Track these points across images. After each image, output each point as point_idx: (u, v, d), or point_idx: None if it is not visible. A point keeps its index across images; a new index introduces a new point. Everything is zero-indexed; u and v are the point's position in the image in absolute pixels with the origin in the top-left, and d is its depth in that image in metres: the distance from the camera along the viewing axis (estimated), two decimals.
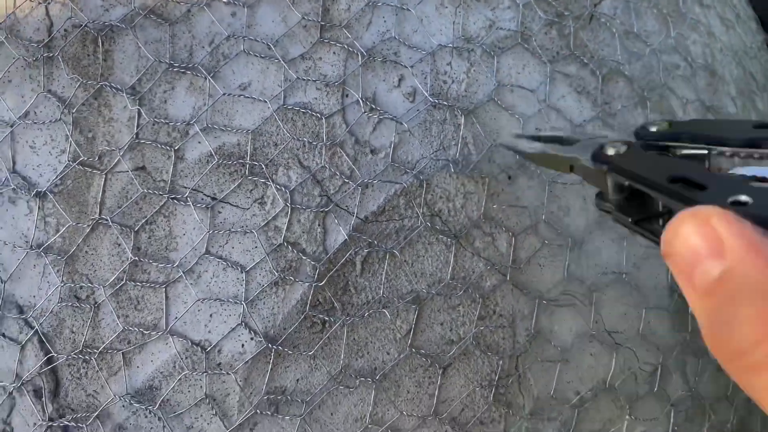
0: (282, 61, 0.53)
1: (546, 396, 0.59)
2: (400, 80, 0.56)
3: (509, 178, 0.59)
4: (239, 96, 0.52)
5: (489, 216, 0.57)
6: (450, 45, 0.57)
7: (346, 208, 0.54)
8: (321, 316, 0.53)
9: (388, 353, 0.55)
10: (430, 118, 0.56)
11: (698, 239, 0.21)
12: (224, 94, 0.52)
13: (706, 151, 0.29)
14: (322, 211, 0.53)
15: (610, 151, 0.31)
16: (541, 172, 0.59)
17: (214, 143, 0.52)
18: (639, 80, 0.67)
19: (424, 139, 0.56)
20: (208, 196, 0.52)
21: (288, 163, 0.53)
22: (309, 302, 0.53)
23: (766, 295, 0.19)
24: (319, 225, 0.53)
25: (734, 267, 0.20)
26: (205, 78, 0.52)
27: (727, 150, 0.28)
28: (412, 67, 0.56)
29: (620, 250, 0.62)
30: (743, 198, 0.22)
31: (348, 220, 0.54)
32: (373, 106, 0.55)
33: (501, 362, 0.57)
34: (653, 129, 0.32)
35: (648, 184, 0.27)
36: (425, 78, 0.56)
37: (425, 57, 0.56)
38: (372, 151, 0.55)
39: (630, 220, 0.30)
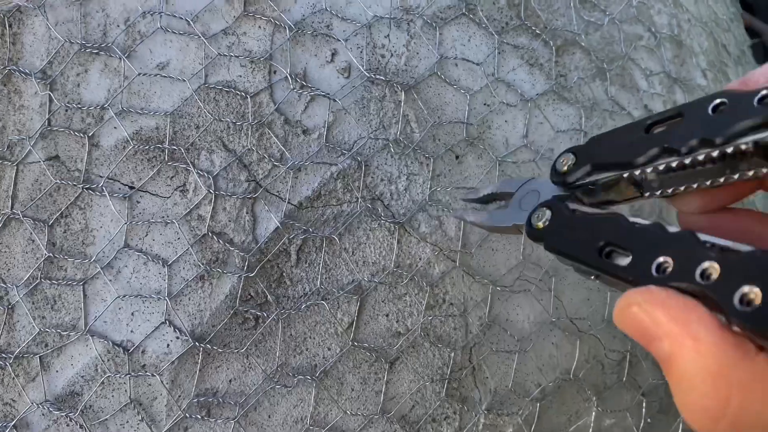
0: (202, 38, 0.49)
1: (504, 389, 0.55)
2: (333, 55, 0.52)
3: (456, 157, 0.55)
4: (156, 76, 0.49)
5: (435, 198, 0.54)
6: (387, 16, 0.54)
7: (277, 193, 0.50)
8: (253, 311, 0.49)
9: (329, 349, 0.51)
10: (368, 95, 0.53)
11: (640, 324, 0.23)
12: (139, 74, 0.48)
13: (625, 173, 0.30)
14: (250, 198, 0.49)
15: (539, 224, 0.32)
16: (491, 151, 0.56)
17: (131, 128, 0.49)
18: (598, 51, 0.63)
19: (361, 117, 0.52)
20: (125, 185, 0.48)
21: (211, 146, 0.49)
22: (239, 296, 0.49)
23: (708, 378, 0.21)
24: (247, 213, 0.49)
25: (676, 354, 0.22)
26: (120, 58, 0.49)
27: (636, 171, 0.29)
28: (346, 40, 0.52)
29: None
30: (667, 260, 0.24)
31: (280, 207, 0.50)
32: (304, 83, 0.51)
33: (453, 354, 0.53)
34: (563, 168, 0.32)
35: (582, 263, 0.28)
36: (361, 52, 0.53)
37: (360, 30, 0.53)
38: (304, 132, 0.51)
39: (591, 277, 0.31)
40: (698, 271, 0.22)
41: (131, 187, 0.48)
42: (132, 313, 0.48)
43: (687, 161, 0.27)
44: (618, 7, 0.66)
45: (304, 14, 0.52)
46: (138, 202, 0.49)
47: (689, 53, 0.74)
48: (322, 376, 0.50)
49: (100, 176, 0.48)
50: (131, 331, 0.48)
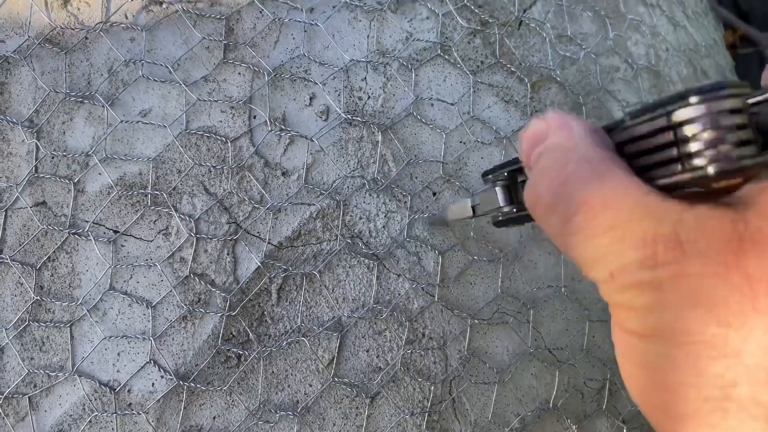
0: (183, 84, 0.51)
1: (484, 421, 0.56)
2: (311, 98, 0.54)
3: (434, 194, 0.56)
4: (138, 123, 0.50)
5: (413, 235, 0.55)
6: (364, 60, 0.55)
7: (257, 234, 0.51)
8: (235, 349, 0.51)
9: (310, 385, 0.52)
10: (346, 136, 0.54)
11: (533, 131, 0.26)
12: (122, 121, 0.50)
13: None
14: (230, 239, 0.51)
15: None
16: (468, 187, 0.57)
17: (115, 174, 0.50)
18: (574, 85, 0.65)
19: (340, 158, 0.54)
20: (110, 229, 0.50)
21: (192, 190, 0.51)
22: (221, 335, 0.50)
23: (560, 150, 0.23)
24: (228, 254, 0.51)
25: (549, 141, 0.24)
26: (104, 106, 0.50)
27: None
28: (323, 84, 0.54)
29: (557, 263, 0.60)
30: None
31: (260, 247, 0.51)
32: (283, 127, 0.52)
33: (433, 387, 0.55)
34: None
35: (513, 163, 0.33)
36: (338, 95, 0.54)
37: (337, 73, 0.54)
38: (284, 174, 0.52)
39: (515, 211, 0.34)
40: None
41: (116, 232, 0.50)
42: (118, 354, 0.50)
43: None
44: (594, 39, 0.68)
45: (283, 60, 0.53)
46: (122, 246, 0.50)
47: (668, 82, 0.75)
48: (304, 411, 0.52)
49: (86, 221, 0.50)
50: (117, 371, 0.50)
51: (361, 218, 0.54)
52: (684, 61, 0.80)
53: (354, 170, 0.54)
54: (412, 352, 0.54)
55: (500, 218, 0.36)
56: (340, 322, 0.53)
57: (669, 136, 0.21)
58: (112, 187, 0.50)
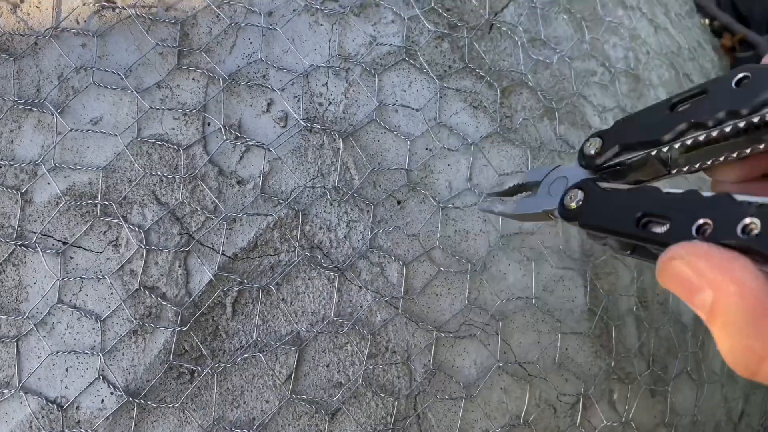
0: (134, 92, 0.49)
1: None
2: (269, 105, 0.52)
3: (398, 203, 0.55)
4: (88, 131, 0.49)
5: (376, 245, 0.53)
6: (325, 65, 0.54)
7: (210, 245, 0.50)
8: (188, 365, 0.49)
9: (267, 401, 0.50)
10: (306, 143, 0.53)
11: (683, 277, 0.23)
12: (71, 130, 0.49)
13: (653, 151, 0.30)
14: (182, 251, 0.49)
15: (572, 204, 0.32)
16: (434, 195, 0.55)
17: (64, 183, 0.49)
18: (547, 90, 0.63)
19: (299, 166, 0.52)
20: (59, 240, 0.48)
21: (143, 200, 0.49)
22: (173, 350, 0.48)
23: (750, 319, 0.21)
24: (180, 266, 0.49)
25: (719, 300, 0.22)
26: (53, 114, 0.49)
27: (664, 148, 0.29)
28: (282, 90, 0.52)
29: (528, 273, 0.58)
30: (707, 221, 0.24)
31: (214, 259, 0.50)
32: (239, 134, 0.51)
33: (396, 403, 0.53)
34: (591, 152, 0.33)
35: (620, 234, 0.29)
36: (298, 101, 0.53)
37: (297, 79, 0.53)
38: (239, 182, 0.51)
39: (627, 252, 0.31)
40: (739, 227, 0.23)
41: (64, 243, 0.48)
42: (66, 369, 0.48)
43: (714, 134, 0.27)
44: (569, 43, 0.66)
45: (239, 65, 0.52)
46: (71, 258, 0.48)
47: (647, 86, 0.73)
48: (261, 429, 0.50)
49: (34, 232, 0.48)
50: (65, 387, 0.48)
51: (321, 228, 0.52)
52: (666, 64, 0.79)
53: (314, 178, 0.52)
54: (374, 366, 0.52)
55: (607, 243, 0.33)
56: (298, 337, 0.51)
57: None
58: (60, 197, 0.48)
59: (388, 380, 0.53)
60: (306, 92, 0.53)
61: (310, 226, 0.52)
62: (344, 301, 0.52)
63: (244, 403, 0.50)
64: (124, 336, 0.48)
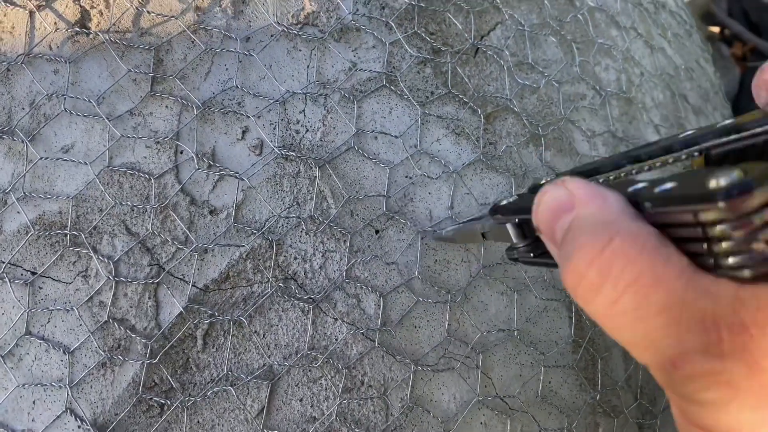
0: (106, 119, 0.48)
1: None
2: (244, 132, 0.51)
3: (376, 232, 0.53)
4: (58, 159, 0.48)
5: (353, 275, 0.52)
6: (302, 91, 0.53)
7: (181, 277, 0.49)
8: (157, 398, 0.48)
9: None
10: (281, 172, 0.52)
11: (555, 200, 0.24)
12: (42, 158, 0.48)
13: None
14: (152, 282, 0.48)
15: (503, 202, 0.34)
16: (413, 224, 0.54)
17: (34, 212, 0.48)
18: (533, 115, 0.61)
19: (274, 194, 0.51)
20: (27, 270, 0.48)
21: (113, 230, 0.48)
22: (142, 383, 0.48)
23: (598, 224, 0.21)
24: (149, 298, 0.48)
25: (579, 212, 0.23)
26: (23, 142, 0.48)
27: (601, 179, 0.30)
28: (258, 117, 0.51)
29: (510, 305, 0.56)
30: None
31: (184, 291, 0.49)
32: (212, 163, 0.50)
33: None
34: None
35: (522, 211, 0.31)
36: (274, 128, 0.52)
37: (273, 105, 0.52)
38: (212, 212, 0.50)
39: (532, 255, 0.33)
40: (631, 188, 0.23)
41: (33, 273, 0.48)
42: (33, 402, 0.47)
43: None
44: (558, 66, 0.65)
45: (214, 92, 0.51)
46: (40, 288, 0.48)
47: (640, 109, 0.72)
48: None
49: (2, 262, 0.48)
50: (32, 420, 0.47)
51: (296, 258, 0.51)
52: (661, 86, 0.77)
53: (289, 207, 0.51)
54: (349, 401, 0.51)
55: (515, 255, 0.35)
56: (271, 370, 0.50)
57: (697, 231, 0.19)
58: (30, 226, 0.48)
59: (363, 415, 0.52)
60: (282, 119, 0.52)
61: (285, 256, 0.51)
62: (319, 334, 0.51)
63: None
64: (92, 368, 0.47)
